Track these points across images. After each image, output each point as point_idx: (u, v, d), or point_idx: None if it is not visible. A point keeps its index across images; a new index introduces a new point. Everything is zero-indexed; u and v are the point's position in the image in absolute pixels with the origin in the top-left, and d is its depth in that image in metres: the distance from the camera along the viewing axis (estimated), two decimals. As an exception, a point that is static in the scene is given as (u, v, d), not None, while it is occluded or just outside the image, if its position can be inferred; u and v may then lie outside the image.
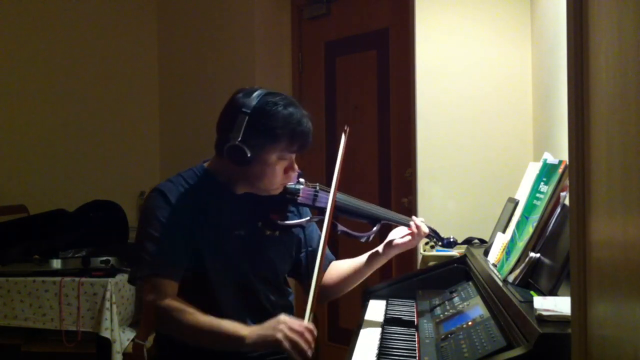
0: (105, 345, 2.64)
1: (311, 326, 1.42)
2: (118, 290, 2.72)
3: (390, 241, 1.80)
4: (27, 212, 3.43)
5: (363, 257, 1.82)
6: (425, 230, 1.80)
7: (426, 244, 1.98)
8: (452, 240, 1.91)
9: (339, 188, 1.66)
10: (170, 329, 1.54)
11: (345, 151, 1.68)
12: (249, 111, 1.53)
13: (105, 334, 2.62)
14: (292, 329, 1.39)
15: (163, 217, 1.54)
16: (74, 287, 2.69)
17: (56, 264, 2.82)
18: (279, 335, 1.38)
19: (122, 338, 2.70)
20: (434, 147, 2.74)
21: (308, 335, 1.39)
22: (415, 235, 1.78)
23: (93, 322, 2.67)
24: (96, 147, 3.86)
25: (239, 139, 1.52)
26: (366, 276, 1.83)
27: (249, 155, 1.53)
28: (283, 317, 1.43)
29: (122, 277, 2.79)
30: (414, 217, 1.82)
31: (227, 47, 3.71)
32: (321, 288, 1.81)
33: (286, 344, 1.37)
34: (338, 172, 1.65)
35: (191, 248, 1.56)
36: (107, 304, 2.64)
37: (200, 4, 3.84)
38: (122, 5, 3.94)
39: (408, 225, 1.80)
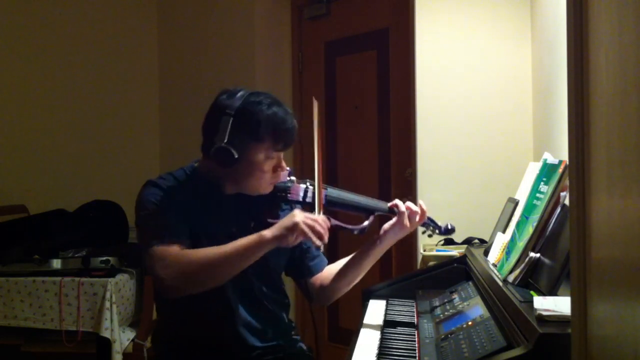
0: (105, 345, 2.64)
1: (325, 217, 1.53)
2: (118, 290, 2.72)
3: (383, 226, 1.74)
4: (27, 212, 3.42)
5: (358, 251, 1.78)
6: (416, 209, 1.71)
7: (423, 232, 1.92)
8: (449, 227, 1.85)
9: (327, 181, 1.67)
10: (189, 277, 1.48)
11: (320, 122, 1.68)
12: (232, 112, 1.56)
13: (105, 334, 2.62)
14: (307, 216, 1.48)
15: (156, 200, 1.57)
16: (74, 287, 2.69)
17: (56, 264, 2.81)
18: (297, 219, 1.46)
19: (122, 338, 2.70)
20: (434, 147, 2.74)
21: (322, 223, 1.49)
22: (405, 216, 1.69)
23: (93, 322, 2.66)
24: (96, 147, 3.85)
25: (225, 140, 1.54)
26: (365, 270, 1.77)
27: (236, 156, 1.54)
28: (297, 210, 1.53)
29: (122, 277, 2.79)
30: (406, 202, 1.74)
31: (227, 47, 3.71)
32: (322, 289, 1.79)
33: (303, 226, 1.45)
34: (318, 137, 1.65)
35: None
36: (107, 304, 2.64)
37: (200, 3, 3.84)
38: (122, 5, 3.94)
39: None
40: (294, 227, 1.46)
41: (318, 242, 1.48)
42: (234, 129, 1.55)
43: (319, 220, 1.49)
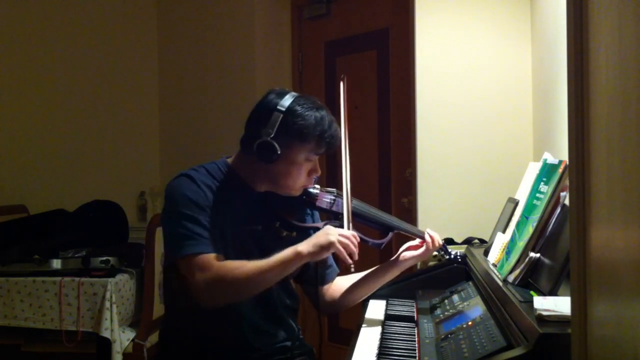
0: (105, 345, 2.64)
1: (355, 233, 1.57)
2: (118, 290, 2.72)
3: (404, 252, 1.81)
4: (27, 212, 3.43)
5: (374, 269, 1.83)
6: (440, 242, 1.80)
7: (434, 256, 2.00)
8: (459, 257, 1.95)
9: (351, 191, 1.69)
10: (229, 292, 1.53)
11: (347, 101, 1.72)
12: (283, 109, 1.59)
13: (105, 334, 2.62)
14: (341, 234, 1.53)
15: (196, 198, 1.57)
16: (74, 287, 2.69)
17: (56, 264, 2.81)
18: (332, 238, 1.51)
19: (122, 338, 2.70)
20: (434, 147, 2.73)
21: (354, 240, 1.54)
22: (430, 246, 1.79)
23: (93, 322, 2.66)
24: (96, 147, 3.86)
25: (272, 135, 1.56)
26: (376, 288, 1.84)
27: (278, 152, 1.57)
28: (329, 226, 1.58)
29: (122, 277, 2.78)
30: (428, 229, 1.83)
31: (227, 47, 3.71)
32: (331, 300, 1.83)
33: (338, 246, 1.50)
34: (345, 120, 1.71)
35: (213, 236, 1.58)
36: (107, 304, 2.64)
37: (200, 3, 3.84)
38: (122, 5, 3.94)
39: (422, 238, 1.80)
40: (330, 246, 1.51)
41: (349, 261, 1.53)
42: (282, 126, 1.57)
43: (351, 237, 1.54)
